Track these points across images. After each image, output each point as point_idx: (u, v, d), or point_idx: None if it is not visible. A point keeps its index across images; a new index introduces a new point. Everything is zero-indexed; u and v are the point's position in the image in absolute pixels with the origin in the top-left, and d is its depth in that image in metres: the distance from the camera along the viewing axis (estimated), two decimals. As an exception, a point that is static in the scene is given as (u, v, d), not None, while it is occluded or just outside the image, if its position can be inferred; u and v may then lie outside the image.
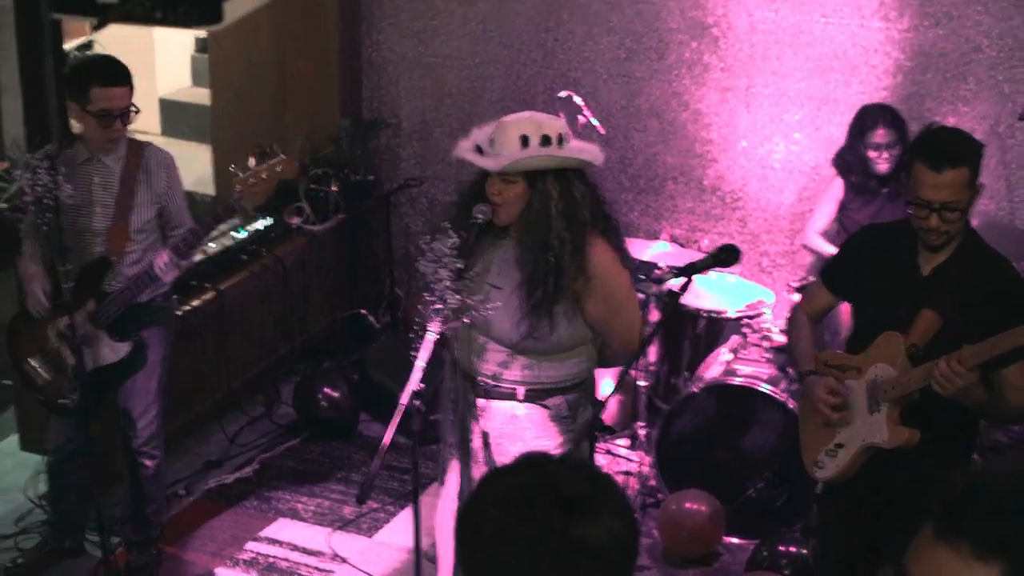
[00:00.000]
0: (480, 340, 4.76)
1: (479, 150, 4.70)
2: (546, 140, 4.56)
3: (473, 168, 4.83)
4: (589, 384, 4.93)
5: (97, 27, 2.40)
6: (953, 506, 2.20)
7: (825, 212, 7.23)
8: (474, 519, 2.22)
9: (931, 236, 4.49)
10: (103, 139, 5.64)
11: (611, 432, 7.17)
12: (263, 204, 5.84)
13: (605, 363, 5.02)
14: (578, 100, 7.31)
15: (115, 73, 5.74)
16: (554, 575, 2.15)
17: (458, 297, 4.46)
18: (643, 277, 6.74)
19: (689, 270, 4.37)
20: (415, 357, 4.44)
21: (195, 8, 2.09)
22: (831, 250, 7.08)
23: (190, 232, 5.61)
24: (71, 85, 5.68)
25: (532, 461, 2.29)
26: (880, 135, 6.92)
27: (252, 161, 5.58)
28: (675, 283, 4.36)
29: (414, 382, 4.40)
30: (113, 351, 5.79)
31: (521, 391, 4.77)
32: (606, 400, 4.31)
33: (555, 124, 4.66)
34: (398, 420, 4.40)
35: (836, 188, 7.20)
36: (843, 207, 7.18)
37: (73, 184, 5.52)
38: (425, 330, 4.45)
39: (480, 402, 4.83)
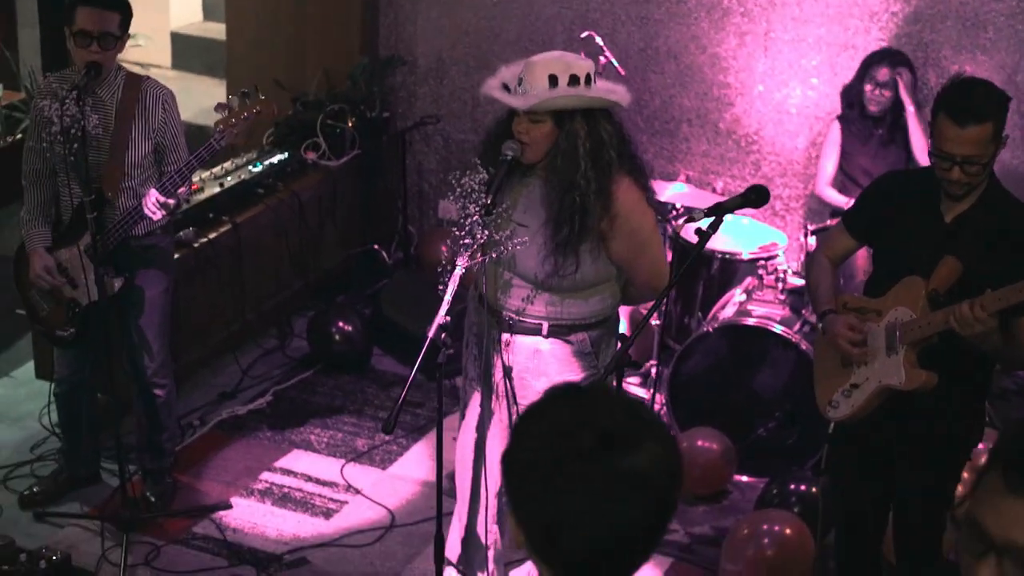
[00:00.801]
0: (506, 276, 4.81)
1: (506, 88, 4.73)
2: (574, 80, 4.59)
3: (496, 107, 4.87)
4: (613, 321, 4.99)
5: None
6: None
7: (830, 159, 7.35)
8: (521, 461, 2.26)
9: (953, 187, 4.53)
10: (80, 62, 5.60)
11: (638, 367, 7.22)
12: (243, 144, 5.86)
13: (629, 301, 5.09)
14: (599, 40, 7.33)
15: None
16: (607, 507, 2.18)
17: (486, 232, 4.51)
18: (661, 217, 6.82)
19: (718, 210, 4.40)
20: (442, 290, 4.50)
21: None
22: (841, 200, 7.15)
23: (175, 171, 5.62)
24: (66, 9, 5.69)
25: (568, 396, 2.31)
26: (882, 73, 7.12)
27: (233, 100, 5.63)
28: (704, 222, 4.38)
29: (440, 315, 4.46)
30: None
31: (545, 326, 4.83)
32: (635, 334, 4.35)
33: (583, 64, 4.69)
34: (424, 351, 4.47)
35: (834, 132, 7.35)
36: (843, 152, 7.28)
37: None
38: (453, 263, 4.50)
39: (504, 336, 4.89)
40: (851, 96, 7.30)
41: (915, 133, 7.07)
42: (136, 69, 5.97)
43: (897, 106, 7.16)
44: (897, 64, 7.16)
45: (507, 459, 2.29)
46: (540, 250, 4.67)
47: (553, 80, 4.56)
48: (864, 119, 7.23)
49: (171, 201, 5.63)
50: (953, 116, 4.43)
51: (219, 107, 5.64)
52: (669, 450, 2.24)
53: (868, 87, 7.14)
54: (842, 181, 7.33)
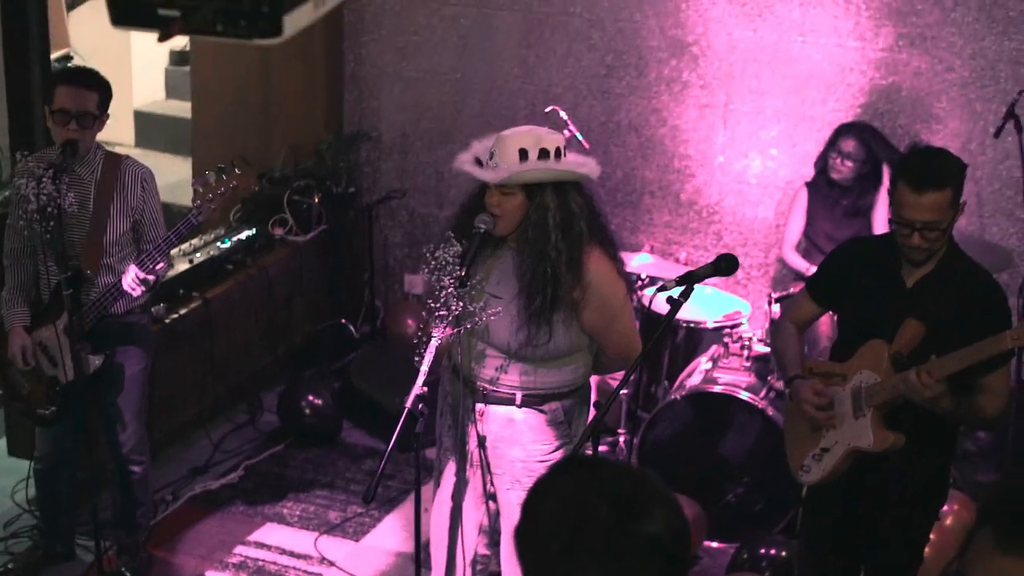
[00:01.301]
0: (479, 346, 4.90)
1: (478, 162, 4.83)
2: (544, 153, 4.70)
3: (463, 181, 4.99)
4: (585, 390, 5.08)
5: (161, 39, 2.49)
6: (1018, 519, 2.25)
7: (796, 223, 7.47)
8: (537, 537, 2.28)
9: (913, 253, 4.64)
10: (58, 140, 5.68)
11: (612, 433, 7.28)
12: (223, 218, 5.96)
13: (601, 370, 5.19)
14: (563, 115, 7.46)
15: (77, 75, 5.87)
16: (629, 574, 2.22)
17: (460, 304, 4.61)
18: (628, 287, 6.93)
19: (689, 278, 4.51)
20: (418, 361, 4.59)
21: (256, 21, 2.19)
22: (803, 265, 7.28)
23: (154, 247, 5.69)
24: (43, 91, 5.78)
25: (574, 469, 2.36)
26: (848, 144, 7.24)
27: (211, 176, 5.72)
28: (676, 291, 4.49)
29: (418, 385, 4.54)
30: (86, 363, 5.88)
31: (519, 396, 4.91)
32: (609, 401, 4.44)
33: (553, 138, 4.80)
34: (402, 422, 4.55)
35: (801, 197, 7.48)
36: (808, 218, 7.42)
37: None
38: (428, 335, 4.59)
39: (479, 406, 4.97)
40: (819, 164, 7.44)
41: (881, 208, 7.17)
42: (114, 151, 6.04)
43: (866, 180, 7.26)
44: (866, 139, 7.26)
45: (521, 536, 2.31)
46: (513, 320, 4.77)
47: (523, 154, 4.67)
48: (830, 187, 7.34)
49: (151, 278, 5.69)
50: (912, 183, 4.54)
51: (196, 182, 5.72)
52: (678, 513, 2.29)
53: (833, 155, 7.27)
54: (806, 247, 7.46)
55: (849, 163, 7.23)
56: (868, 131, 7.32)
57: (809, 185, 7.48)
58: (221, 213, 7.44)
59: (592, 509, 2.22)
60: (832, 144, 7.31)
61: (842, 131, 7.32)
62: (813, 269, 7.02)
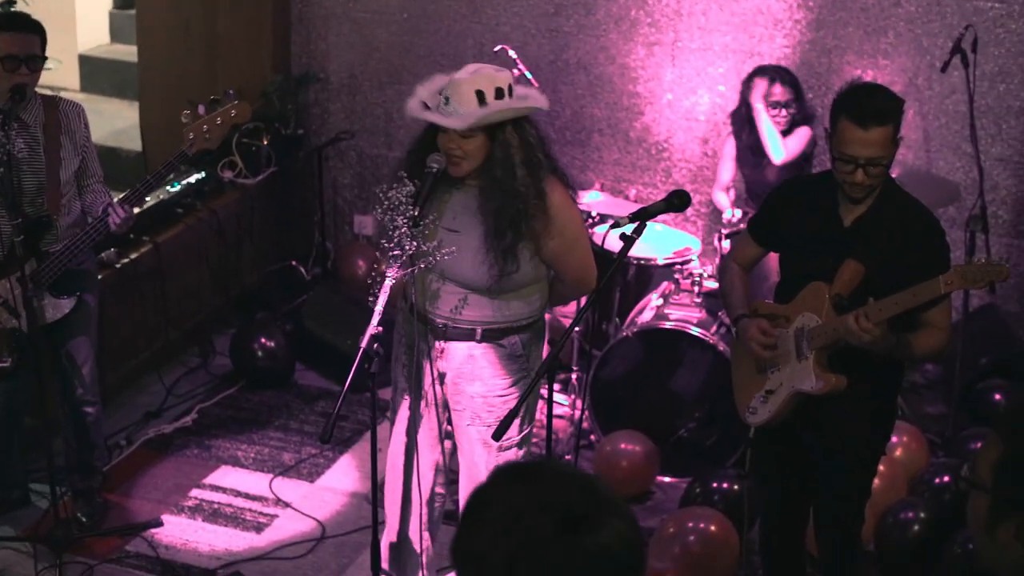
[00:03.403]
0: (435, 284, 4.93)
1: (426, 107, 4.84)
2: (499, 93, 4.74)
3: (409, 121, 5.02)
4: (541, 324, 5.14)
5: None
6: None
7: (725, 170, 7.45)
8: (477, 552, 2.17)
9: (855, 190, 4.65)
10: (9, 86, 5.64)
11: (568, 370, 7.33)
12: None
13: (558, 299, 5.25)
14: (512, 54, 7.45)
15: (17, 20, 5.83)
16: None
17: (414, 243, 4.63)
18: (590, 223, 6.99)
19: (642, 215, 4.53)
20: (373, 301, 4.61)
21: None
22: (727, 209, 7.26)
23: (142, 182, 5.68)
24: None
25: (518, 477, 2.25)
26: (777, 92, 7.12)
27: (201, 109, 5.68)
28: (628, 228, 4.52)
29: (372, 326, 4.57)
30: (56, 308, 5.86)
31: (479, 331, 4.96)
32: (564, 336, 4.48)
33: (504, 76, 4.84)
34: (357, 362, 4.57)
35: (729, 147, 7.41)
36: (739, 166, 7.39)
37: None
38: (382, 275, 4.62)
39: (438, 344, 5.01)
40: (741, 121, 7.31)
41: (769, 135, 7.09)
42: (47, 92, 6.01)
43: (796, 126, 7.16)
44: (789, 80, 7.15)
45: (459, 550, 2.21)
46: (477, 255, 4.80)
47: (481, 96, 4.70)
48: (755, 140, 7.21)
49: (133, 214, 5.71)
50: (857, 119, 4.56)
51: (186, 115, 5.66)
52: (630, 524, 2.19)
53: (763, 106, 7.11)
54: (746, 199, 7.43)
55: (785, 111, 7.13)
56: (786, 72, 7.21)
57: (736, 139, 7.38)
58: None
59: (535, 522, 2.12)
60: (754, 94, 7.17)
61: (762, 76, 7.19)
62: (729, 213, 7.10)
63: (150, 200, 7.55)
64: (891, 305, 4.46)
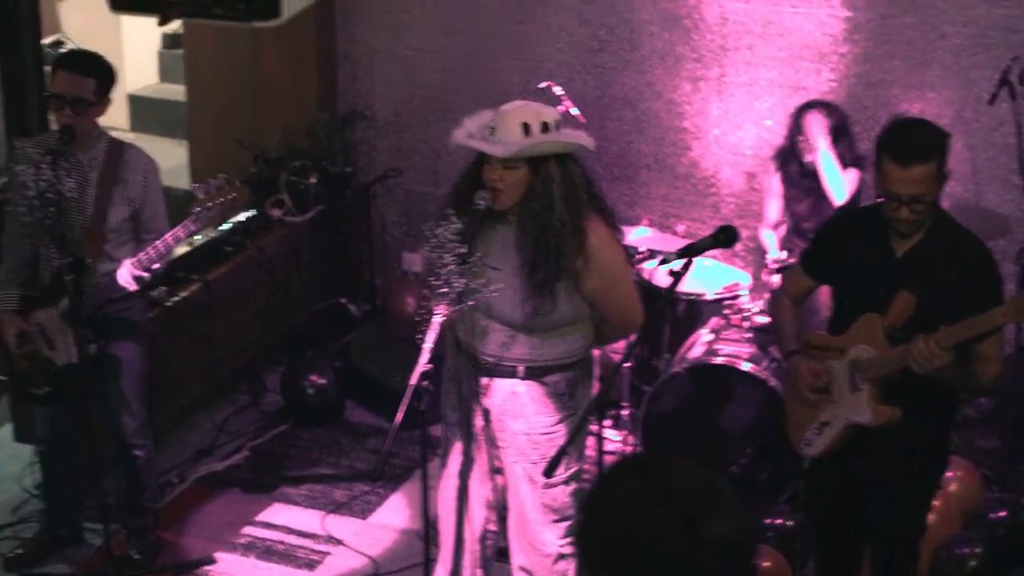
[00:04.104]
0: (483, 322, 4.93)
1: (472, 139, 4.87)
2: (545, 127, 4.75)
3: (457, 157, 5.04)
4: (587, 362, 5.12)
5: (161, 23, 2.50)
6: None
7: (772, 208, 7.40)
8: (602, 538, 2.26)
9: (902, 226, 4.65)
10: (57, 125, 5.70)
11: (617, 406, 7.30)
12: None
13: (603, 340, 5.23)
14: (558, 90, 7.47)
15: (74, 60, 5.87)
16: None
17: (463, 281, 4.64)
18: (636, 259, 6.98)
19: (690, 251, 4.53)
20: (421, 339, 4.62)
21: (254, 4, 2.21)
22: (772, 249, 7.23)
23: (153, 249, 5.64)
24: (35, 76, 5.78)
25: (639, 468, 2.36)
26: (811, 122, 7.02)
27: (212, 185, 5.65)
28: (676, 263, 4.52)
29: (422, 363, 4.58)
30: (78, 349, 5.88)
31: (521, 368, 4.95)
32: (614, 373, 4.48)
33: (551, 112, 4.87)
34: (407, 399, 4.59)
35: (775, 184, 7.35)
36: (787, 202, 7.35)
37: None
38: (431, 313, 4.63)
39: (483, 380, 5.01)
40: (784, 154, 7.25)
41: (830, 175, 6.94)
42: (112, 135, 6.02)
43: (840, 160, 7.02)
44: (831, 115, 7.04)
45: (584, 536, 2.31)
46: (517, 293, 4.80)
47: (526, 128, 4.72)
48: (804, 176, 7.13)
49: (145, 275, 5.69)
50: (897, 158, 4.55)
51: (197, 188, 5.70)
52: (744, 521, 2.27)
53: (801, 139, 7.04)
54: (793, 234, 7.38)
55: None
56: (831, 107, 7.13)
57: (781, 173, 7.31)
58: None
59: (660, 515, 2.22)
60: (799, 128, 7.09)
61: (806, 109, 7.11)
62: (775, 254, 7.07)
63: (199, 239, 7.60)
64: (963, 330, 4.42)
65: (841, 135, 7.02)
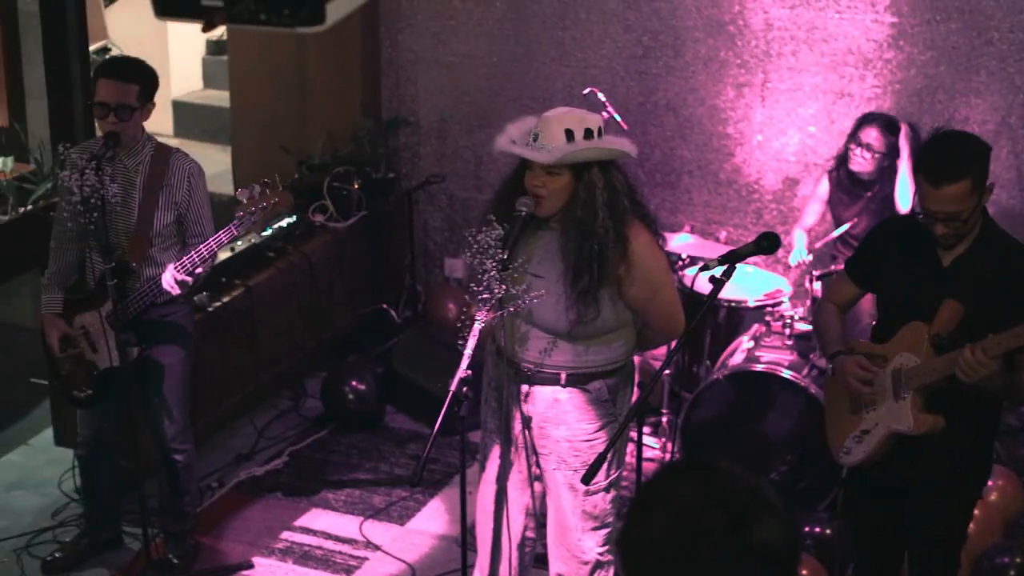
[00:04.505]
0: (523, 328, 4.92)
1: (514, 144, 4.86)
2: (588, 133, 4.74)
3: (499, 164, 5.03)
4: (629, 368, 5.10)
5: (205, 29, 2.51)
6: None
7: (812, 210, 7.40)
8: (648, 540, 2.26)
9: (941, 239, 4.63)
10: (101, 131, 5.72)
11: (657, 412, 7.31)
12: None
13: (645, 345, 5.22)
14: (601, 96, 7.47)
15: (116, 67, 5.90)
16: None
17: (503, 287, 4.63)
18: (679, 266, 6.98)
19: (731, 257, 4.51)
20: (462, 345, 4.62)
21: (299, 10, 2.20)
22: (802, 251, 7.22)
23: (197, 253, 5.67)
24: (82, 83, 5.82)
25: (688, 472, 2.36)
26: (867, 134, 7.04)
27: (256, 189, 5.71)
28: (718, 270, 4.51)
29: (462, 369, 4.58)
30: (122, 354, 5.90)
31: (563, 375, 4.93)
32: (655, 379, 4.46)
33: (594, 118, 4.85)
34: (447, 405, 4.58)
35: (822, 187, 7.36)
36: (831, 204, 7.34)
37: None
38: (472, 318, 4.62)
39: (524, 387, 5.00)
40: (838, 159, 7.29)
41: (901, 184, 6.99)
42: (158, 139, 6.04)
43: (889, 173, 7.08)
44: (887, 128, 7.07)
45: (629, 538, 2.29)
46: (560, 300, 4.79)
47: (569, 134, 4.70)
48: (852, 182, 7.19)
49: (188, 279, 5.71)
50: (928, 177, 4.53)
51: (241, 193, 5.72)
52: (790, 523, 2.27)
53: (853, 146, 7.09)
54: (837, 243, 7.36)
55: (869, 155, 7.04)
56: (888, 121, 7.12)
57: (831, 176, 7.34)
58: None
59: (707, 517, 2.21)
60: (853, 135, 7.12)
61: (865, 121, 7.14)
62: (800, 256, 7.05)
63: (242, 244, 7.63)
64: (1012, 338, 4.37)
65: (887, 152, 7.01)
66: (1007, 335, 4.39)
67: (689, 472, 2.36)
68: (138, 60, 5.93)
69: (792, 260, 7.26)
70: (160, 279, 5.69)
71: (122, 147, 5.76)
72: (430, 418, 4.55)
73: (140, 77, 5.76)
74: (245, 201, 5.67)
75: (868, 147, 7.04)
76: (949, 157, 4.57)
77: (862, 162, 7.06)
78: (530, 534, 5.32)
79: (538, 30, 8.46)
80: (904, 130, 7.11)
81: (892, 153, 7.02)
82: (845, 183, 7.23)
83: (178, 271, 5.65)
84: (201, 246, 5.69)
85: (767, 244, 4.60)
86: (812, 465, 6.54)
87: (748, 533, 2.20)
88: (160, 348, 5.99)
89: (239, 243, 7.62)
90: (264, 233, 7.76)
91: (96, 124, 5.83)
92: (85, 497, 6.53)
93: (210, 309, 7.23)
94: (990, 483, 6.06)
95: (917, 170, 4.63)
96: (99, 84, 5.71)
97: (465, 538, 4.96)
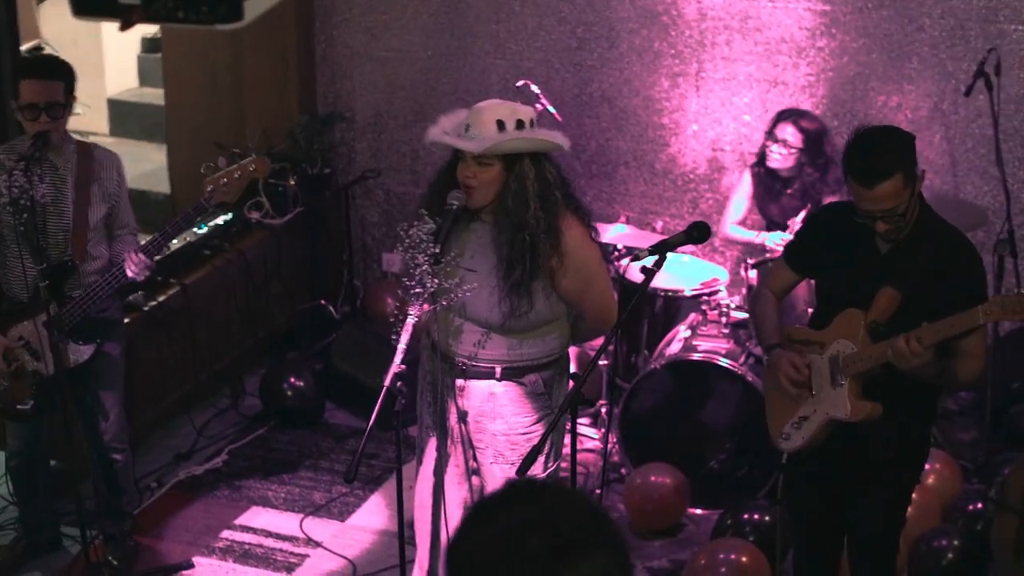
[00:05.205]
0: (457, 322, 4.92)
1: (446, 136, 4.86)
2: (520, 124, 4.76)
3: (436, 157, 5.02)
4: (564, 361, 5.11)
5: (123, 28, 2.48)
6: None
7: (738, 206, 7.40)
8: (466, 557, 2.19)
9: (884, 235, 4.64)
10: (30, 132, 5.66)
11: (591, 404, 7.33)
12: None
13: (580, 337, 5.23)
14: (535, 88, 7.46)
15: (39, 66, 5.85)
16: None
17: (436, 281, 4.62)
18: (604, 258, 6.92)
19: (662, 247, 4.53)
20: (396, 340, 4.61)
21: (216, 7, 2.18)
22: (749, 236, 7.24)
23: (160, 233, 5.68)
24: (12, 84, 5.77)
25: (525, 494, 2.25)
26: (783, 130, 7.05)
27: (223, 161, 5.71)
28: (649, 260, 4.52)
29: (396, 364, 4.56)
30: (75, 354, 5.86)
31: (498, 369, 4.94)
32: (587, 371, 4.47)
33: (526, 110, 4.87)
34: (381, 401, 4.57)
35: (745, 183, 7.37)
36: (756, 200, 7.37)
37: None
38: (405, 313, 4.61)
39: (459, 382, 5.00)
40: (758, 155, 7.32)
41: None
42: (75, 137, 6.01)
43: (810, 168, 7.06)
44: (802, 126, 7.05)
45: (453, 548, 2.23)
46: (492, 293, 4.80)
47: (501, 125, 4.72)
48: (771, 177, 7.21)
49: (152, 262, 5.71)
50: (859, 179, 4.55)
51: (208, 167, 5.69)
52: (621, 563, 2.17)
53: (769, 143, 7.11)
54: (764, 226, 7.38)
55: (786, 151, 7.05)
56: (805, 117, 7.14)
57: (752, 171, 7.35)
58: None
59: (530, 540, 2.12)
60: (770, 132, 7.14)
61: (780, 118, 7.15)
62: (777, 237, 7.04)
63: (177, 242, 7.57)
64: (944, 328, 4.41)
65: (815, 145, 7.02)
66: (942, 323, 4.42)
67: (534, 493, 2.26)
68: (55, 57, 5.93)
69: (770, 244, 7.10)
70: (125, 269, 5.65)
71: (51, 147, 5.71)
72: (370, 414, 4.53)
73: (63, 74, 5.72)
74: (214, 174, 5.63)
75: (784, 143, 7.06)
76: (876, 155, 4.58)
77: (779, 159, 7.08)
78: (468, 528, 5.30)
79: (472, 23, 8.45)
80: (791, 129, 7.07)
81: (810, 148, 7.02)
82: (766, 180, 7.26)
83: (144, 254, 5.62)
84: (167, 227, 5.69)
85: (697, 234, 4.62)
86: (751, 453, 6.57)
87: (569, 564, 2.10)
88: (104, 345, 5.95)
89: (174, 242, 7.56)
90: (199, 231, 7.74)
91: (24, 127, 5.73)
92: (20, 502, 6.47)
93: (146, 308, 7.19)
94: (927, 467, 6.09)
95: (847, 174, 4.63)
96: (23, 86, 5.64)
97: (403, 533, 4.94)
